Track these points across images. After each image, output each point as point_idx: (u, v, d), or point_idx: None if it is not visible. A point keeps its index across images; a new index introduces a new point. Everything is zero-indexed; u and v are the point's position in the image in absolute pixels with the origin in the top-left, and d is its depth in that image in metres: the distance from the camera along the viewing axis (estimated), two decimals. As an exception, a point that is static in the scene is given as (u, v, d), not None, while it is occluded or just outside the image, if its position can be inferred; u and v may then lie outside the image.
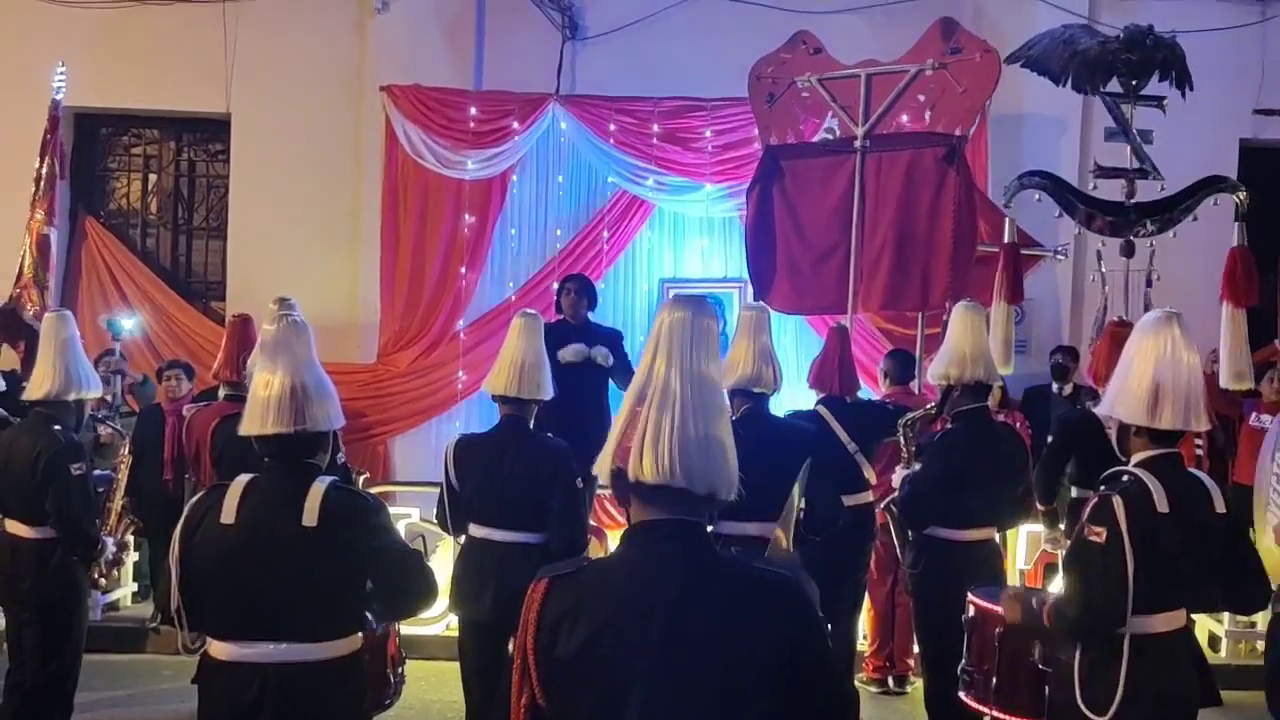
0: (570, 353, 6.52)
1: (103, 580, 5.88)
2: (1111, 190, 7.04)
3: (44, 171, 8.27)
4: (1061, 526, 5.67)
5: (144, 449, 6.83)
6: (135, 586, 7.53)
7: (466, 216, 8.60)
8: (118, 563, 5.41)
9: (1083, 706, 3.15)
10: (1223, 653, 6.87)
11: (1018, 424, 6.91)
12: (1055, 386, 8.00)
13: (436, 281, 8.60)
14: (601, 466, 1.99)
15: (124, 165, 9.83)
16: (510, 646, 3.32)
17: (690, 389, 1.90)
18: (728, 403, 2.00)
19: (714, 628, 1.85)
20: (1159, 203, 6.91)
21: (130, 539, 5.80)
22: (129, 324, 7.76)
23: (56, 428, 4.65)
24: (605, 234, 8.66)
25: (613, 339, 6.92)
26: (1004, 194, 6.94)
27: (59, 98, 8.35)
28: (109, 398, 7.36)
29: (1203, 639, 6.11)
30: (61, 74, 8.32)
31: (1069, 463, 5.68)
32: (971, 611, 4.12)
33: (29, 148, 8.32)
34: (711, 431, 1.90)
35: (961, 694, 4.12)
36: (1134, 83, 6.81)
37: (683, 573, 1.88)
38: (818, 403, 5.75)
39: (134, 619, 7.14)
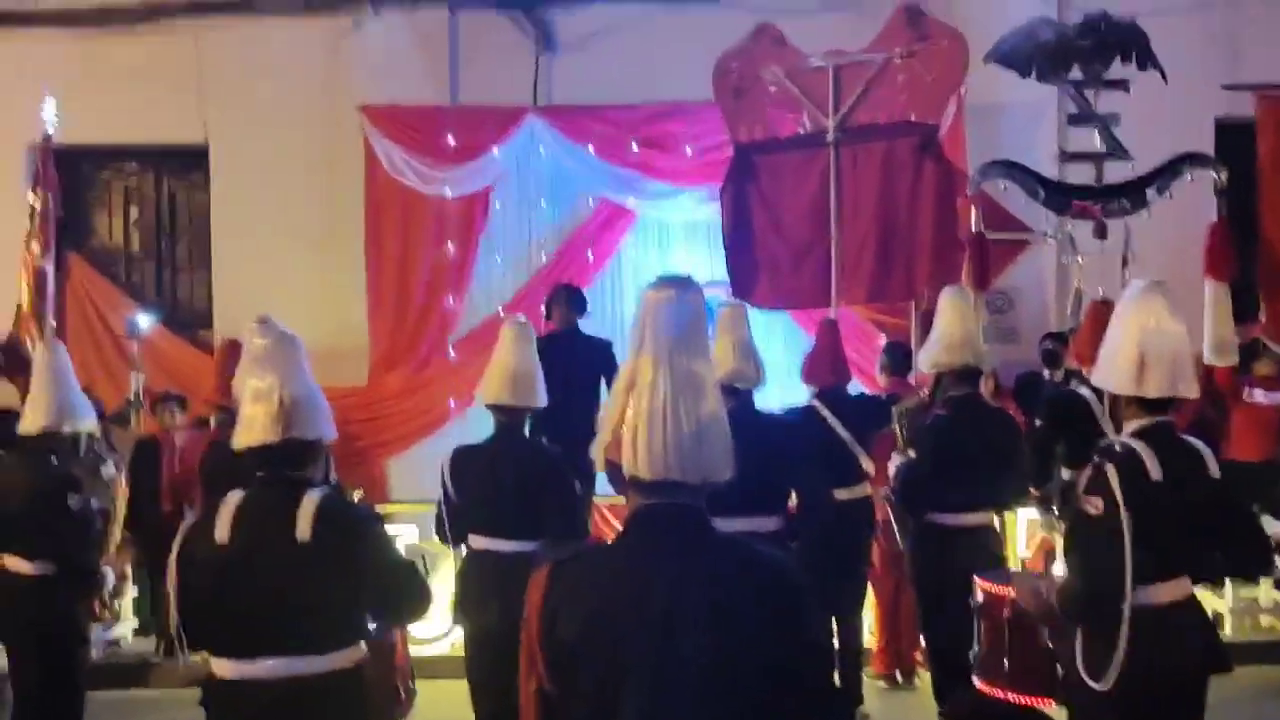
0: None
1: (107, 614, 5.86)
2: (1083, 174, 7.08)
3: (37, 206, 8.24)
4: (1055, 510, 5.67)
5: (140, 481, 6.81)
6: (136, 622, 7.47)
7: (449, 233, 8.58)
8: (118, 594, 5.38)
9: (1086, 678, 3.16)
10: (1227, 629, 6.87)
11: (1011, 411, 6.92)
12: (1047, 373, 8.00)
13: (423, 300, 8.59)
14: (596, 459, 2.00)
15: (105, 200, 9.80)
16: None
17: (677, 375, 1.91)
18: (715, 381, 2.01)
19: (710, 607, 1.86)
20: (1132, 182, 6.96)
21: (129, 570, 5.78)
22: (145, 322, 8.46)
23: (53, 460, 4.63)
24: (589, 244, 8.66)
25: (603, 349, 6.92)
26: (969, 185, 6.99)
27: (51, 131, 8.29)
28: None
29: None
30: (53, 108, 8.26)
31: (1059, 444, 5.69)
32: (980, 596, 4.08)
33: (7, 184, 8.30)
34: (703, 418, 1.90)
35: (975, 678, 4.09)
36: (1096, 68, 6.91)
37: (680, 554, 1.90)
38: (813, 397, 5.76)
39: (136, 655, 7.08)
